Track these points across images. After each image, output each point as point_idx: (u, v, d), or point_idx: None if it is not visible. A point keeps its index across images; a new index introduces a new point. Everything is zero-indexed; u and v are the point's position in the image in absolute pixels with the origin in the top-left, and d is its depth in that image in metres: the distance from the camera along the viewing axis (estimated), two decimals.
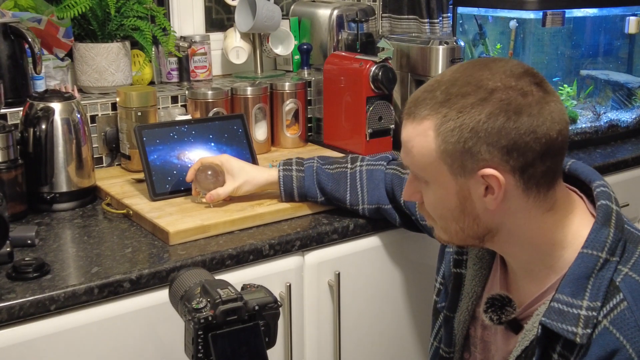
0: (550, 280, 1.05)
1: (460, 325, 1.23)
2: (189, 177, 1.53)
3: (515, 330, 1.11)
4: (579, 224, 1.05)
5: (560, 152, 1.02)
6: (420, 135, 1.02)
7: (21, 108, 1.60)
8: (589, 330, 0.98)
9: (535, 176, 1.00)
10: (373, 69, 1.83)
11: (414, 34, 2.21)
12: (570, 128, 1.27)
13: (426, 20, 2.28)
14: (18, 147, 1.54)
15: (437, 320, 1.31)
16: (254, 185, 1.53)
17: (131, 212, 1.52)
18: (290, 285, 1.44)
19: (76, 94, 1.73)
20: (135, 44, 1.98)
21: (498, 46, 2.17)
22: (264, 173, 1.54)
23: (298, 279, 1.47)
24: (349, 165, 1.52)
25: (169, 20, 2.12)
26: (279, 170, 1.53)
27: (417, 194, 1.10)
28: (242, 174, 1.52)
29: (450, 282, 1.24)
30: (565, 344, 1.01)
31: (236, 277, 1.35)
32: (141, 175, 1.64)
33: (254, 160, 1.69)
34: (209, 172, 1.53)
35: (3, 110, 1.67)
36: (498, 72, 1.00)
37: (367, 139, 1.87)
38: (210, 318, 0.95)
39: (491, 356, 1.19)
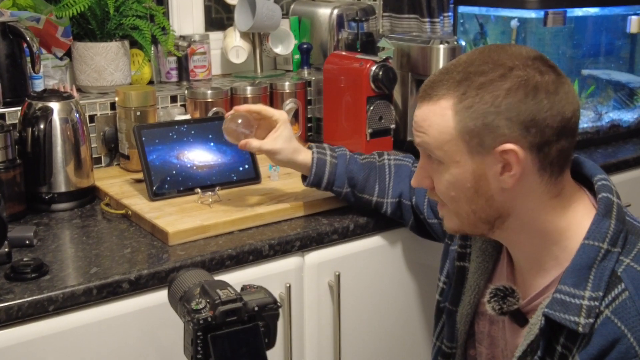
0: (555, 273, 1.06)
1: (463, 320, 1.22)
2: (230, 112, 1.45)
3: (521, 323, 1.11)
4: (582, 215, 1.06)
5: (573, 133, 1.04)
6: (438, 114, 1.03)
7: (19, 108, 1.60)
8: (591, 320, 0.98)
9: (550, 156, 1.02)
10: (373, 68, 1.82)
11: (414, 34, 2.20)
12: None
13: (427, 19, 2.28)
14: (16, 147, 1.53)
15: (439, 320, 1.30)
16: (288, 160, 1.45)
17: (130, 212, 1.51)
18: (290, 286, 1.43)
19: (75, 93, 1.73)
20: (134, 43, 1.97)
21: None
22: (301, 154, 1.46)
23: (298, 279, 1.46)
24: (377, 158, 1.52)
25: (168, 20, 2.11)
26: (312, 152, 1.47)
27: (428, 179, 1.10)
28: (286, 143, 1.44)
29: (453, 277, 1.24)
30: (568, 335, 1.01)
31: (236, 278, 1.34)
32: (140, 175, 1.63)
33: (254, 161, 1.68)
34: (240, 121, 1.42)
35: (1, 110, 1.66)
36: (514, 53, 1.03)
37: (368, 138, 1.86)
38: (209, 319, 0.94)
39: (499, 351, 1.19)
